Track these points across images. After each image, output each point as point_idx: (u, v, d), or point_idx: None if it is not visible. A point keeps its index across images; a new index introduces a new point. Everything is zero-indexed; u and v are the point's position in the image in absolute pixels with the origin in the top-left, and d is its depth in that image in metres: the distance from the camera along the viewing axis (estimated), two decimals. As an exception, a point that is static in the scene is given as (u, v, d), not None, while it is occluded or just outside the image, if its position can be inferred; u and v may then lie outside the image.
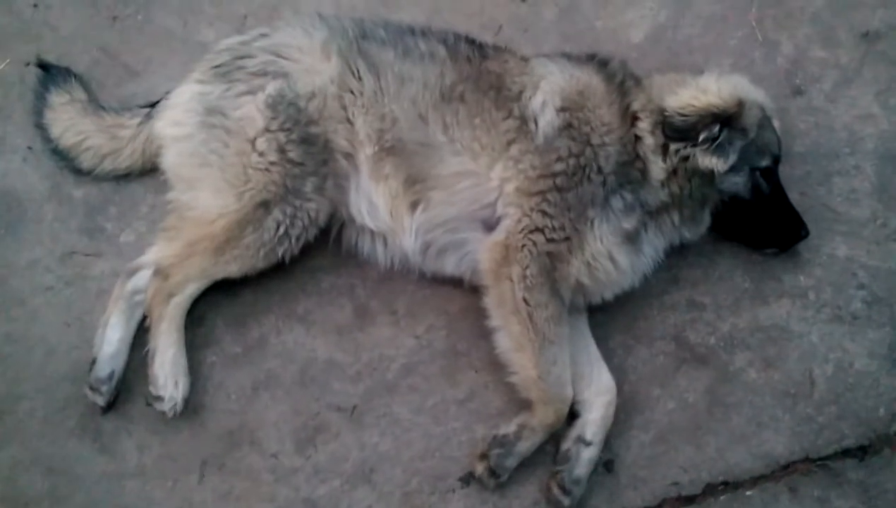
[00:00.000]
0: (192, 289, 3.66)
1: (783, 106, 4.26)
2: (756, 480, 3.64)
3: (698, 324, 3.91)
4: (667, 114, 3.61)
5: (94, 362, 3.60)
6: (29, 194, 4.06)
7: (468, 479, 3.60)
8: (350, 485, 3.58)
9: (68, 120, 4.03)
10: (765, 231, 3.87)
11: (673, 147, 3.62)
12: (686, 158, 3.62)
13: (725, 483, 3.63)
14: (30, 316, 3.82)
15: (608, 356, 3.76)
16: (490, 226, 3.64)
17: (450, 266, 3.79)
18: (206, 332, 3.80)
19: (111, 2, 4.53)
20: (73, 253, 3.95)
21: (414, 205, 3.69)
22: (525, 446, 3.51)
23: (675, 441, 3.69)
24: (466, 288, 3.83)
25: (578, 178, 3.55)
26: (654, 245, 3.76)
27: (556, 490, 3.49)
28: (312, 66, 3.69)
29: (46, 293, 3.86)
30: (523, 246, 3.51)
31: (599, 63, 3.83)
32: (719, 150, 3.60)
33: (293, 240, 3.67)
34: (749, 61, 4.45)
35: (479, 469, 3.53)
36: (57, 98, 4.08)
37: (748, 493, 3.62)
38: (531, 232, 3.51)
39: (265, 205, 3.60)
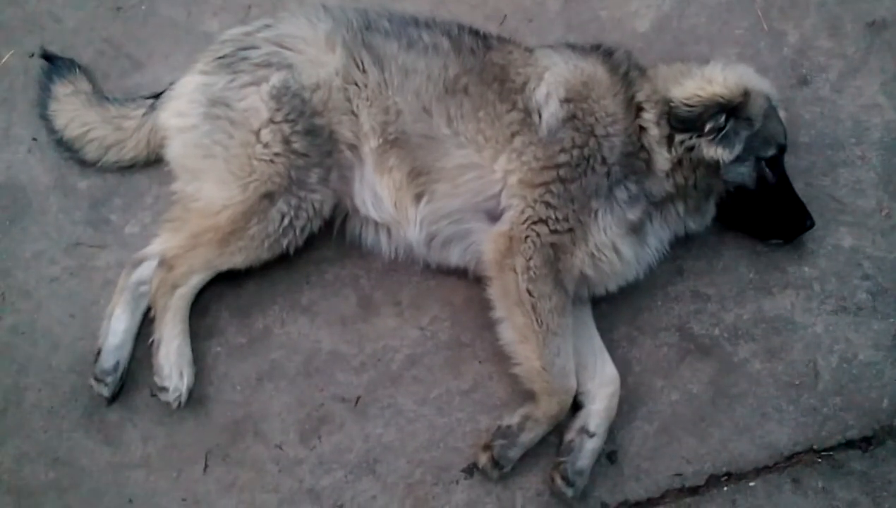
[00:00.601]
0: (196, 280, 3.67)
1: (789, 96, 4.24)
2: (759, 471, 3.64)
3: (702, 315, 3.90)
4: (672, 104, 3.60)
5: (98, 353, 3.61)
6: (34, 185, 4.07)
7: (472, 470, 3.60)
8: (354, 476, 3.59)
9: (73, 111, 4.03)
10: (770, 221, 3.86)
11: (678, 137, 3.61)
12: (691, 149, 3.61)
13: (729, 475, 3.63)
14: (35, 307, 3.83)
15: (612, 347, 3.76)
16: (494, 217, 3.64)
17: (454, 257, 3.80)
18: (211, 323, 3.81)
19: (115, -7, 4.54)
20: (77, 244, 3.96)
21: (418, 197, 3.69)
22: (529, 437, 3.51)
23: (678, 432, 3.69)
24: (470, 280, 3.83)
25: (582, 169, 3.54)
26: (658, 236, 3.76)
27: (559, 481, 3.50)
28: (317, 57, 3.69)
29: (51, 284, 3.87)
30: (527, 237, 3.51)
31: (604, 53, 3.81)
32: (725, 141, 3.59)
33: (297, 232, 3.67)
34: (755, 51, 4.43)
35: (483, 459, 3.53)
36: (61, 89, 4.09)
37: (751, 484, 3.62)
38: (535, 223, 3.51)
39: (270, 197, 3.60)
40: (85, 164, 4.06)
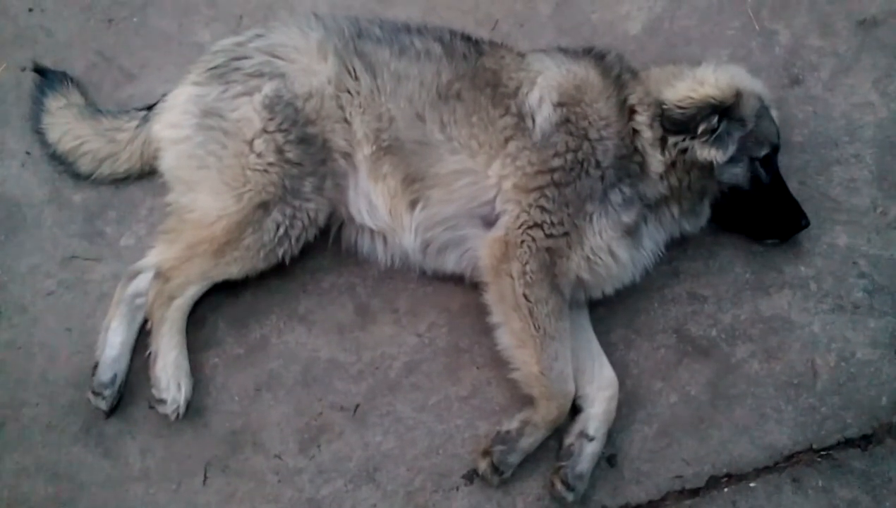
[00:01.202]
0: (192, 291, 3.66)
1: (781, 95, 4.26)
2: (759, 471, 3.64)
3: (699, 317, 3.90)
4: (665, 106, 3.60)
5: (96, 366, 3.60)
6: (28, 199, 4.06)
7: (472, 476, 3.60)
8: (354, 485, 3.59)
9: (66, 124, 4.02)
10: (765, 221, 3.86)
11: (671, 140, 3.61)
12: (685, 151, 3.61)
13: (729, 476, 3.63)
14: (31, 321, 3.82)
15: (610, 350, 3.76)
16: (489, 222, 3.64)
17: (450, 263, 3.79)
18: (208, 334, 3.81)
19: (107, 5, 4.53)
20: (73, 257, 3.95)
21: (413, 204, 3.69)
22: (528, 442, 3.51)
23: (677, 434, 3.69)
24: (467, 286, 3.83)
25: (576, 173, 3.54)
26: (653, 238, 3.76)
27: (559, 486, 3.49)
28: (309, 66, 3.69)
29: (47, 298, 3.86)
30: (522, 242, 3.51)
31: (596, 57, 3.82)
32: (718, 142, 3.59)
33: (293, 241, 3.67)
34: (746, 51, 4.44)
35: (483, 465, 3.52)
36: (54, 102, 4.08)
37: (752, 485, 3.61)
38: (530, 228, 3.51)
39: (264, 206, 3.60)
40: (79, 177, 4.05)
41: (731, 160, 3.65)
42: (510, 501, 3.57)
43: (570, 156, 3.55)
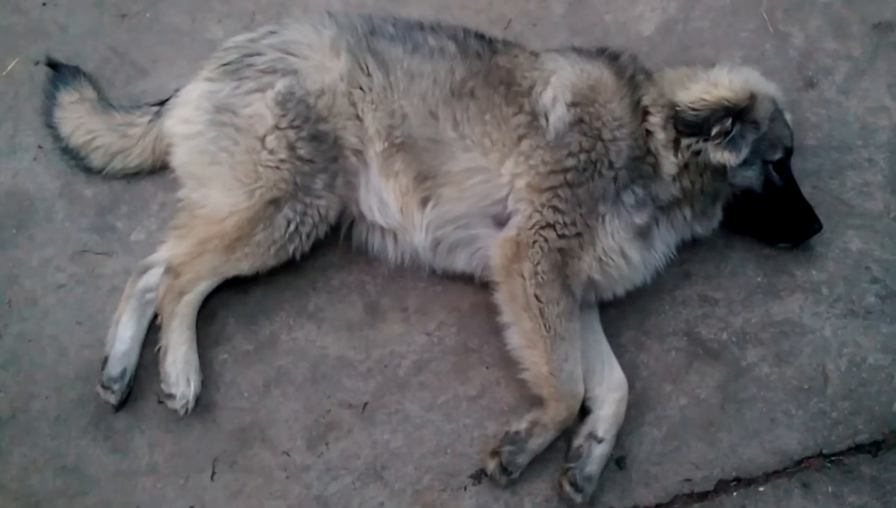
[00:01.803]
0: (203, 287, 3.66)
1: (795, 98, 4.25)
2: (769, 476, 3.62)
3: (710, 320, 3.89)
4: (678, 108, 3.59)
5: (105, 360, 3.60)
6: (40, 193, 4.07)
7: (480, 476, 3.59)
8: (361, 482, 3.58)
9: (78, 119, 4.04)
10: (777, 225, 3.85)
11: (684, 141, 3.60)
12: (698, 153, 3.60)
13: (738, 480, 3.61)
14: (42, 315, 3.83)
15: (620, 352, 3.75)
16: (501, 222, 3.64)
17: (461, 262, 3.79)
18: (218, 330, 3.81)
19: (120, 0, 4.53)
20: (84, 251, 3.96)
21: (424, 202, 3.68)
22: (537, 443, 3.50)
23: (687, 437, 3.68)
24: (477, 285, 3.82)
25: (589, 174, 3.53)
26: (665, 240, 3.75)
27: (567, 487, 3.48)
28: (322, 63, 3.69)
29: (58, 292, 3.87)
30: (534, 242, 3.50)
31: (610, 57, 3.81)
32: (731, 144, 3.58)
33: (304, 238, 3.67)
34: (760, 54, 4.43)
35: (491, 466, 3.51)
36: (66, 97, 4.09)
37: (761, 489, 3.60)
38: (542, 228, 3.50)
39: (275, 203, 3.60)
40: (91, 172, 4.06)
41: (745, 163, 3.63)
42: (518, 501, 3.56)
43: (583, 157, 3.54)
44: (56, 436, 3.62)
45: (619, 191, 3.56)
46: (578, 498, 3.47)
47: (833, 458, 3.65)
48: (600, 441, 3.52)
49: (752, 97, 3.60)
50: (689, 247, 3.91)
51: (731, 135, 3.57)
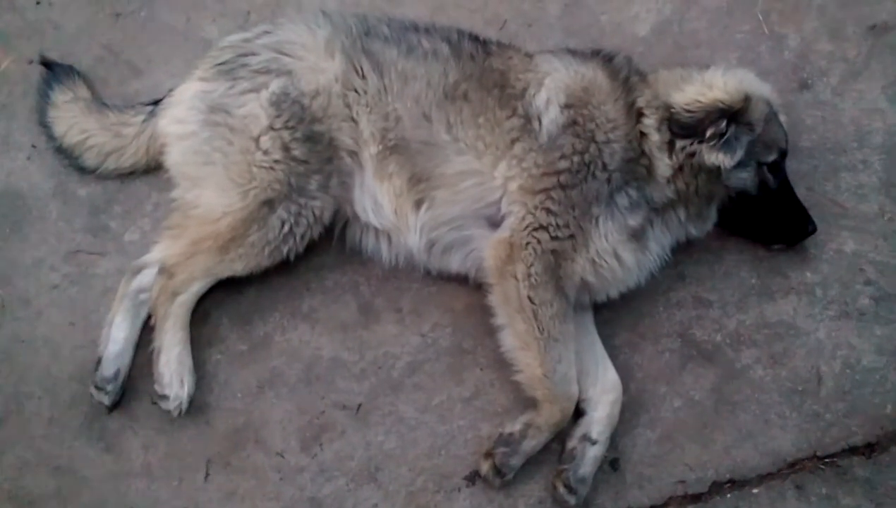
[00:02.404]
0: (196, 288, 3.66)
1: (790, 100, 4.23)
2: (763, 478, 3.63)
3: (704, 321, 3.89)
4: (673, 110, 3.58)
5: (99, 361, 3.60)
6: (33, 193, 4.06)
7: (473, 478, 3.59)
8: (355, 484, 3.58)
9: (72, 118, 4.02)
10: (772, 227, 3.85)
11: (679, 143, 3.59)
12: (692, 154, 3.59)
13: (732, 481, 3.62)
14: (35, 315, 3.82)
15: (614, 354, 3.75)
16: (495, 223, 3.63)
17: (455, 263, 3.79)
18: (211, 330, 3.80)
19: (114, -1, 4.53)
20: (77, 251, 3.95)
21: (418, 204, 3.68)
22: (531, 444, 3.50)
23: (681, 439, 3.68)
24: (471, 286, 3.82)
25: (583, 176, 3.53)
26: (659, 242, 3.75)
27: (561, 489, 3.48)
28: (316, 63, 3.68)
29: (51, 292, 3.86)
30: (528, 243, 3.50)
31: (604, 58, 3.80)
32: (726, 146, 3.57)
33: (298, 239, 3.66)
34: (755, 55, 4.42)
35: (485, 467, 3.52)
36: (60, 96, 4.07)
37: (755, 491, 3.60)
38: (535, 229, 3.50)
39: (270, 204, 3.59)
40: (84, 171, 4.05)
41: (739, 165, 3.62)
42: (512, 503, 3.56)
43: (576, 159, 3.54)
44: (49, 437, 3.62)
45: (613, 192, 3.56)
46: (572, 500, 3.48)
47: (827, 460, 3.66)
48: (594, 442, 3.52)
49: (747, 99, 3.59)
50: (683, 249, 3.91)
51: (725, 137, 3.56)
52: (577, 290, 3.59)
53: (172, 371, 3.57)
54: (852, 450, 3.67)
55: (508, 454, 3.48)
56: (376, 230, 3.79)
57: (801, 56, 4.42)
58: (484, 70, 3.70)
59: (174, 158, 3.77)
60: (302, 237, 3.68)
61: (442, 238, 3.71)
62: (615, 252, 3.57)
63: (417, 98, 3.66)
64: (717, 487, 3.61)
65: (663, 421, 3.71)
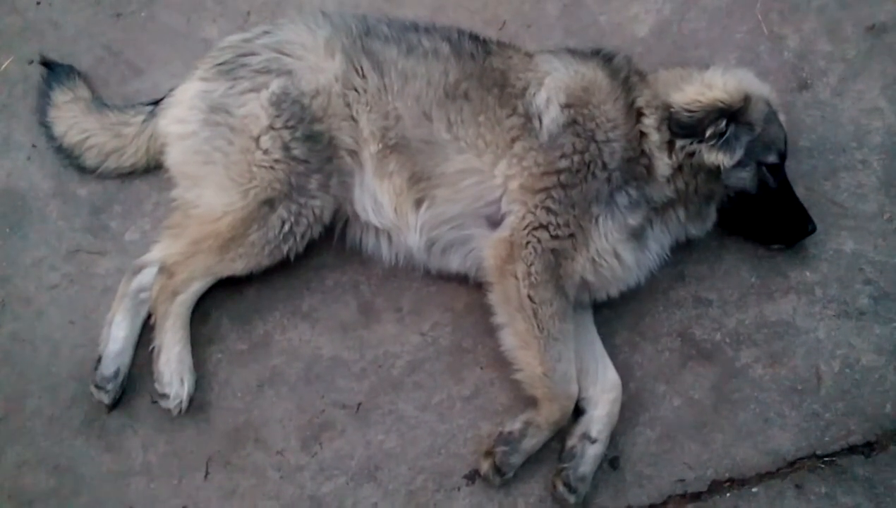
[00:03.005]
0: (197, 287, 3.66)
1: (789, 100, 4.24)
2: (762, 477, 3.62)
3: (704, 320, 3.89)
4: (673, 110, 3.59)
5: (99, 360, 3.61)
6: (33, 192, 4.07)
7: (473, 476, 3.59)
8: (355, 483, 3.58)
9: (72, 118, 4.03)
10: (771, 226, 3.85)
11: (679, 143, 3.60)
12: (692, 154, 3.60)
13: (731, 480, 3.62)
14: (35, 314, 3.82)
15: (614, 353, 3.75)
16: (495, 222, 3.64)
17: (455, 263, 3.79)
18: (212, 330, 3.81)
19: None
20: (77, 251, 3.95)
21: (418, 203, 3.68)
22: (530, 443, 3.50)
23: (680, 438, 3.68)
24: (471, 285, 3.83)
25: (583, 175, 3.54)
26: (659, 241, 3.75)
27: (561, 488, 3.48)
28: (316, 63, 3.69)
29: (51, 291, 3.87)
30: (528, 243, 3.50)
31: (604, 58, 3.81)
32: (726, 146, 3.58)
33: (298, 238, 3.67)
34: (755, 55, 4.43)
35: (485, 466, 3.52)
36: (61, 96, 4.09)
37: (754, 490, 3.60)
38: (535, 229, 3.50)
39: (270, 203, 3.59)
40: (84, 171, 4.06)
41: (739, 164, 3.63)
42: (511, 502, 3.57)
43: (576, 158, 3.54)
44: (49, 436, 3.63)
45: (613, 192, 3.57)
46: (572, 499, 3.48)
47: (826, 459, 3.66)
48: (594, 441, 3.53)
49: (747, 98, 3.60)
50: (682, 248, 3.91)
51: (725, 137, 3.57)
52: (577, 289, 3.60)
53: (172, 370, 3.57)
54: (851, 449, 3.67)
55: (508, 452, 3.49)
56: (376, 229, 3.80)
57: (800, 56, 4.42)
58: (484, 69, 3.71)
59: (174, 158, 3.77)
60: (302, 236, 3.68)
61: (442, 237, 3.72)
62: (615, 251, 3.57)
63: (418, 97, 3.66)
64: (716, 486, 3.61)
65: (663, 420, 3.71)
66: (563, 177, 3.53)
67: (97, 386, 3.59)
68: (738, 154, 3.60)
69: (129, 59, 4.39)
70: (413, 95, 3.66)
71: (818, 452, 3.67)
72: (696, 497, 3.60)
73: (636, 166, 3.62)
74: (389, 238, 3.81)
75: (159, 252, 3.71)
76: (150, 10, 4.52)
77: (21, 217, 4.02)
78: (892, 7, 4.51)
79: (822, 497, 3.59)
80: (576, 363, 3.55)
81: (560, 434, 3.57)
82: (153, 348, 3.60)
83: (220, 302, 3.82)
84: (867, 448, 3.68)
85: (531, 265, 3.48)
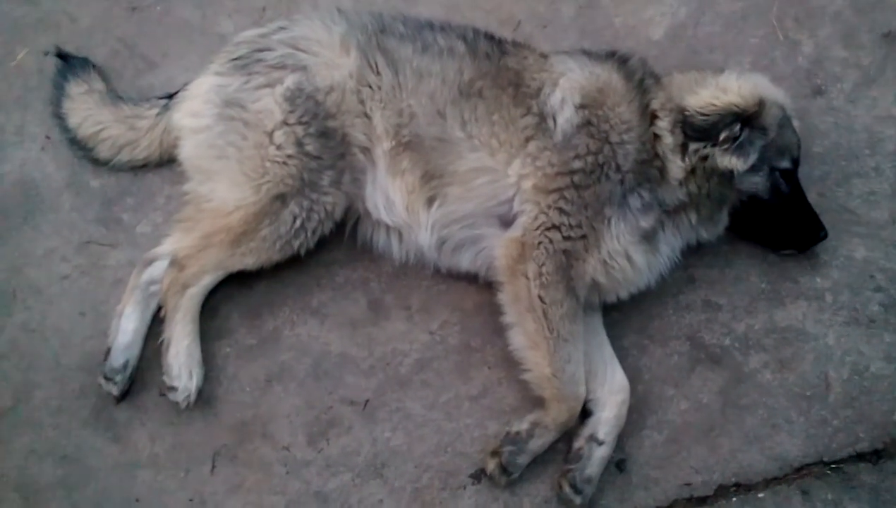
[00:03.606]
0: (207, 281, 3.67)
1: (803, 106, 4.23)
2: (769, 482, 3.62)
3: (713, 325, 3.89)
4: (687, 113, 3.59)
5: (108, 352, 3.61)
6: (46, 184, 4.08)
7: (479, 476, 3.59)
8: (361, 479, 3.59)
9: (86, 110, 4.04)
10: (783, 232, 3.85)
11: (692, 146, 3.59)
12: (705, 158, 3.60)
13: (738, 485, 3.61)
14: (45, 305, 3.83)
15: (622, 355, 3.75)
16: (507, 222, 3.64)
17: (465, 262, 3.79)
18: (221, 324, 3.81)
19: (130, -8, 4.56)
20: (89, 242, 3.96)
21: (430, 201, 3.69)
22: (537, 444, 3.50)
23: (687, 441, 3.68)
24: (481, 285, 3.83)
25: (596, 176, 3.53)
26: (670, 244, 3.75)
27: (567, 489, 3.48)
28: (331, 59, 3.69)
29: (62, 282, 3.88)
30: (539, 243, 3.50)
31: (619, 60, 3.80)
32: (739, 150, 3.58)
33: (309, 234, 3.67)
34: (769, 60, 4.42)
35: (491, 465, 3.52)
36: (75, 88, 4.10)
37: (760, 495, 3.60)
38: (548, 229, 3.50)
39: (282, 198, 3.60)
40: (98, 163, 4.07)
41: (752, 169, 3.63)
42: (517, 502, 3.56)
43: (590, 159, 3.54)
44: (57, 426, 3.63)
45: (626, 194, 3.56)
46: (578, 500, 3.48)
47: (833, 466, 3.65)
48: (601, 443, 3.52)
49: (761, 103, 3.60)
50: (693, 252, 3.91)
51: (739, 141, 3.57)
52: (588, 291, 3.59)
53: (181, 363, 3.58)
54: (859, 457, 3.66)
55: (515, 452, 3.48)
56: (387, 227, 3.80)
57: (815, 62, 4.42)
58: (499, 68, 3.71)
59: (188, 152, 3.78)
60: (313, 232, 3.68)
61: (453, 235, 3.72)
62: (626, 253, 3.57)
63: (432, 95, 3.66)
64: (722, 490, 3.60)
65: (670, 424, 3.71)
66: (576, 178, 3.53)
67: (106, 378, 3.59)
68: (752, 158, 3.60)
69: (144, 53, 4.41)
70: (427, 93, 3.66)
71: (825, 459, 3.66)
72: (703, 501, 3.59)
73: (649, 169, 3.61)
74: (400, 235, 3.81)
75: (171, 245, 3.72)
76: (165, 3, 4.53)
77: (34, 207, 4.03)
78: (909, 15, 4.51)
79: (828, 504, 3.58)
80: (584, 364, 3.54)
81: (567, 435, 3.57)
82: (162, 341, 3.61)
83: (230, 296, 3.83)
84: (874, 456, 3.67)
85: (542, 265, 3.48)
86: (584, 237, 3.51)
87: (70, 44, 4.33)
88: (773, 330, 3.87)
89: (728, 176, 3.62)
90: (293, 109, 3.61)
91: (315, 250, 3.78)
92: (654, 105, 3.67)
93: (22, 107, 4.24)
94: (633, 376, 3.70)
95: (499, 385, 3.75)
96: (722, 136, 3.54)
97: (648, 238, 3.63)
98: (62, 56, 4.21)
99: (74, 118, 4.05)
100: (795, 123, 3.81)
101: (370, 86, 3.68)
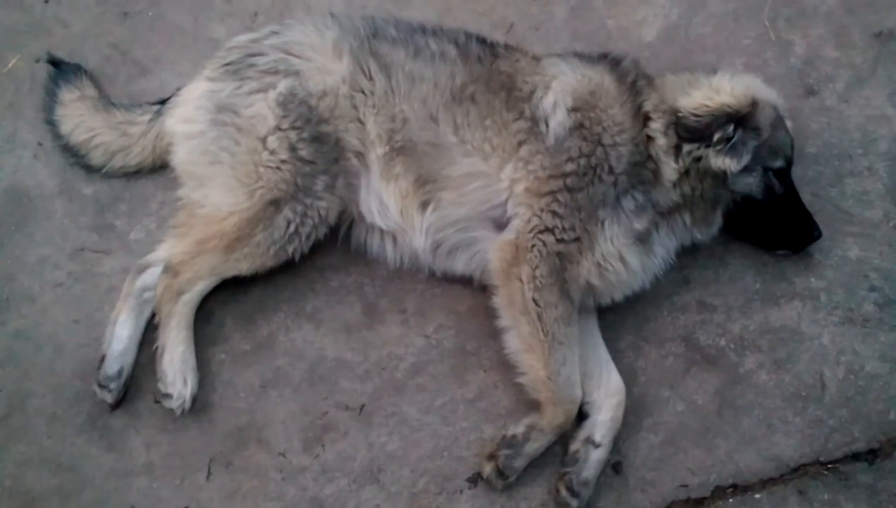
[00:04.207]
0: (201, 287, 3.66)
1: (796, 106, 4.24)
2: (765, 483, 3.62)
3: (708, 326, 3.89)
4: (680, 114, 3.59)
5: (102, 359, 3.60)
6: (39, 191, 4.07)
7: (476, 480, 3.58)
8: (357, 485, 3.58)
9: (78, 116, 4.03)
10: (777, 232, 3.85)
11: (686, 147, 3.60)
12: (699, 159, 3.60)
13: (734, 486, 3.61)
14: (39, 312, 3.82)
15: (618, 357, 3.75)
16: (500, 225, 3.64)
17: (460, 265, 3.79)
18: (215, 330, 3.80)
19: (122, -2, 4.55)
20: (82, 249, 3.95)
21: (424, 205, 3.68)
22: (534, 447, 3.50)
23: (683, 443, 3.68)
24: (476, 288, 3.82)
25: (589, 179, 3.53)
26: (665, 246, 3.75)
27: (564, 492, 3.48)
28: (324, 64, 3.69)
29: (56, 290, 3.86)
30: (533, 246, 3.50)
31: (611, 62, 3.80)
32: (732, 151, 3.59)
33: (303, 239, 3.67)
34: (762, 61, 4.43)
35: (488, 469, 3.51)
36: (67, 94, 4.09)
37: (757, 496, 3.60)
38: (541, 232, 3.50)
39: (276, 204, 3.59)
40: (90, 170, 4.06)
41: (745, 169, 3.64)
42: (514, 505, 3.55)
43: (583, 162, 3.54)
44: (52, 434, 3.62)
45: (619, 196, 3.56)
46: (575, 503, 3.47)
47: (829, 466, 3.65)
48: (597, 445, 3.52)
49: (754, 104, 3.61)
50: (688, 253, 3.91)
51: (732, 142, 3.57)
52: (582, 293, 3.59)
53: (176, 369, 3.56)
54: (855, 456, 3.66)
55: (511, 456, 3.48)
56: (382, 231, 3.80)
57: (807, 62, 4.43)
58: (491, 72, 3.71)
59: (181, 157, 3.78)
60: (307, 237, 3.68)
61: (447, 239, 3.72)
62: (620, 255, 3.57)
63: (425, 99, 3.66)
64: (719, 491, 3.60)
65: (666, 425, 3.71)
66: (569, 181, 3.53)
67: (100, 385, 3.58)
68: (745, 159, 3.60)
69: (137, 58, 4.40)
70: (420, 98, 3.66)
71: (822, 459, 3.66)
72: (699, 502, 3.59)
73: (643, 170, 3.61)
74: (395, 240, 3.81)
75: (164, 251, 3.71)
76: (157, 9, 4.53)
77: (26, 215, 4.02)
78: (900, 14, 4.52)
79: (825, 504, 3.58)
80: (580, 367, 3.54)
81: (563, 438, 3.57)
82: (157, 347, 3.60)
83: (224, 302, 3.82)
84: (871, 455, 3.67)
85: (536, 268, 3.48)
86: (577, 239, 3.51)
87: (62, 50, 4.33)
88: (768, 331, 3.87)
89: (722, 177, 3.62)
90: (286, 114, 3.60)
91: (309, 255, 3.78)
92: (647, 107, 3.67)
93: (14, 114, 4.23)
94: (628, 378, 3.69)
95: (494, 388, 3.74)
96: (715, 137, 3.54)
97: (642, 239, 3.63)
98: (54, 62, 4.20)
99: (67, 124, 4.04)
100: (788, 123, 3.82)
101: (363, 91, 3.68)
